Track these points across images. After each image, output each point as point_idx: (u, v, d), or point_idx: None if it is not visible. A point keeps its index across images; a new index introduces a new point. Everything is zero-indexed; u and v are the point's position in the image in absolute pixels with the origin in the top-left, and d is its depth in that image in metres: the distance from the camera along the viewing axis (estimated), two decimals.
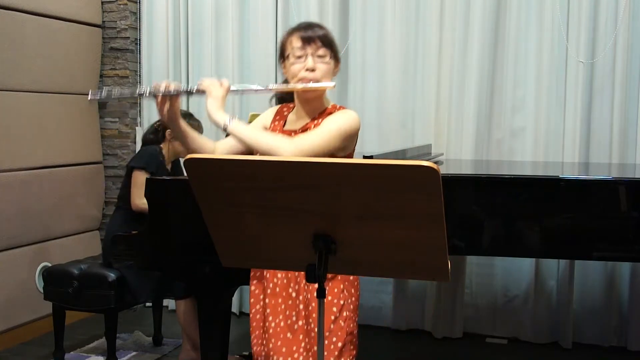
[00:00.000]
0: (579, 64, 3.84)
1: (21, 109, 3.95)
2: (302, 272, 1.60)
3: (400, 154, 3.12)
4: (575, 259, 3.76)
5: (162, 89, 2.07)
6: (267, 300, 2.16)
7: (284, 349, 2.11)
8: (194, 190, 1.56)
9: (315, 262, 1.53)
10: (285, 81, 2.18)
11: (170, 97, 2.09)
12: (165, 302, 4.27)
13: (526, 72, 3.98)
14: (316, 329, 2.05)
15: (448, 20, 4.05)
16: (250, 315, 2.25)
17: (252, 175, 1.51)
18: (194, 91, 2.11)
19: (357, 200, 1.46)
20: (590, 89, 3.86)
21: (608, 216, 2.51)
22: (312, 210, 1.51)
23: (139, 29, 4.61)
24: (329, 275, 2.03)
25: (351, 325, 2.10)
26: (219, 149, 2.23)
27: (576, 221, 2.51)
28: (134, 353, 3.77)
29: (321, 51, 2.10)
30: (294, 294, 2.13)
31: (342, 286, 2.10)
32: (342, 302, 2.09)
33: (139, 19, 4.61)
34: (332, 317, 2.07)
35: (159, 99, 2.08)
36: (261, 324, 2.19)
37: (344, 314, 2.09)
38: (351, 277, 2.14)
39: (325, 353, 2.05)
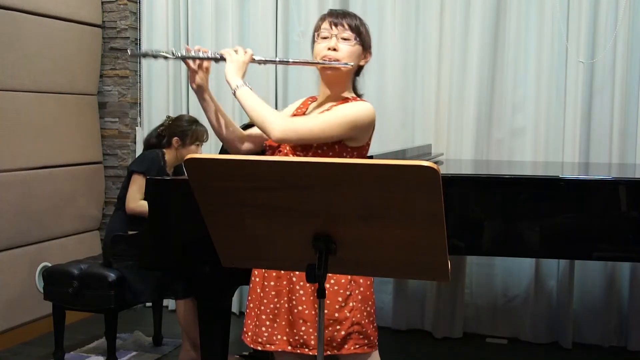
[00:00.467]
0: (579, 64, 3.84)
1: (21, 109, 3.95)
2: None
3: (400, 154, 3.12)
4: (575, 259, 3.76)
5: (194, 51, 2.17)
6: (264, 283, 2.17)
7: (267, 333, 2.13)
8: (194, 190, 1.56)
9: (315, 262, 1.53)
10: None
11: (200, 65, 2.17)
12: (165, 302, 4.27)
13: (526, 72, 3.98)
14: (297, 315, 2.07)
15: (448, 20, 4.05)
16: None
17: (252, 175, 1.51)
18: (218, 57, 2.18)
19: (357, 200, 1.46)
20: (590, 89, 3.86)
21: (608, 216, 2.51)
22: (312, 210, 1.51)
23: (139, 29, 4.61)
24: None
25: (358, 315, 2.09)
26: (253, 133, 2.27)
27: (576, 221, 2.51)
28: (134, 353, 3.77)
29: (346, 34, 2.13)
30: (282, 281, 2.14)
31: (349, 277, 2.09)
32: (348, 292, 2.08)
33: (139, 19, 4.61)
34: (337, 307, 2.07)
35: (190, 64, 2.18)
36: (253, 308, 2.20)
37: (350, 304, 2.08)
38: None
39: (329, 338, 2.06)
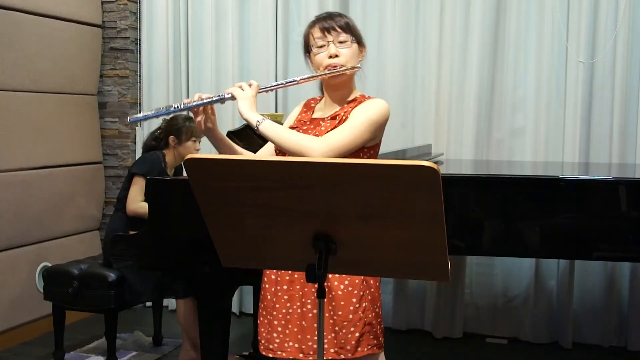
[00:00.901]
0: (579, 64, 3.84)
1: (21, 109, 3.95)
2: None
3: (400, 154, 3.13)
4: (575, 259, 3.76)
5: (194, 101, 2.07)
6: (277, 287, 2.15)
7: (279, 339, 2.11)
8: (194, 190, 1.56)
9: (315, 262, 1.53)
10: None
11: (205, 109, 2.09)
12: (165, 302, 4.27)
13: (526, 72, 3.98)
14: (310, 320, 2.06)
15: (448, 20, 4.05)
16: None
17: (252, 175, 1.51)
18: (225, 97, 2.09)
19: (357, 200, 1.46)
20: (590, 89, 3.86)
21: (608, 216, 2.51)
22: (312, 210, 1.51)
23: (139, 29, 4.61)
24: None
25: (370, 315, 2.09)
26: (262, 154, 2.26)
27: (576, 221, 2.51)
28: (134, 353, 3.77)
29: (342, 37, 2.12)
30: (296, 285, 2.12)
31: (362, 277, 2.08)
32: (361, 293, 2.08)
33: (139, 19, 4.61)
34: (351, 308, 2.06)
35: (195, 111, 2.08)
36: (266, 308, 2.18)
37: (363, 304, 2.08)
38: None
39: (343, 341, 2.05)
